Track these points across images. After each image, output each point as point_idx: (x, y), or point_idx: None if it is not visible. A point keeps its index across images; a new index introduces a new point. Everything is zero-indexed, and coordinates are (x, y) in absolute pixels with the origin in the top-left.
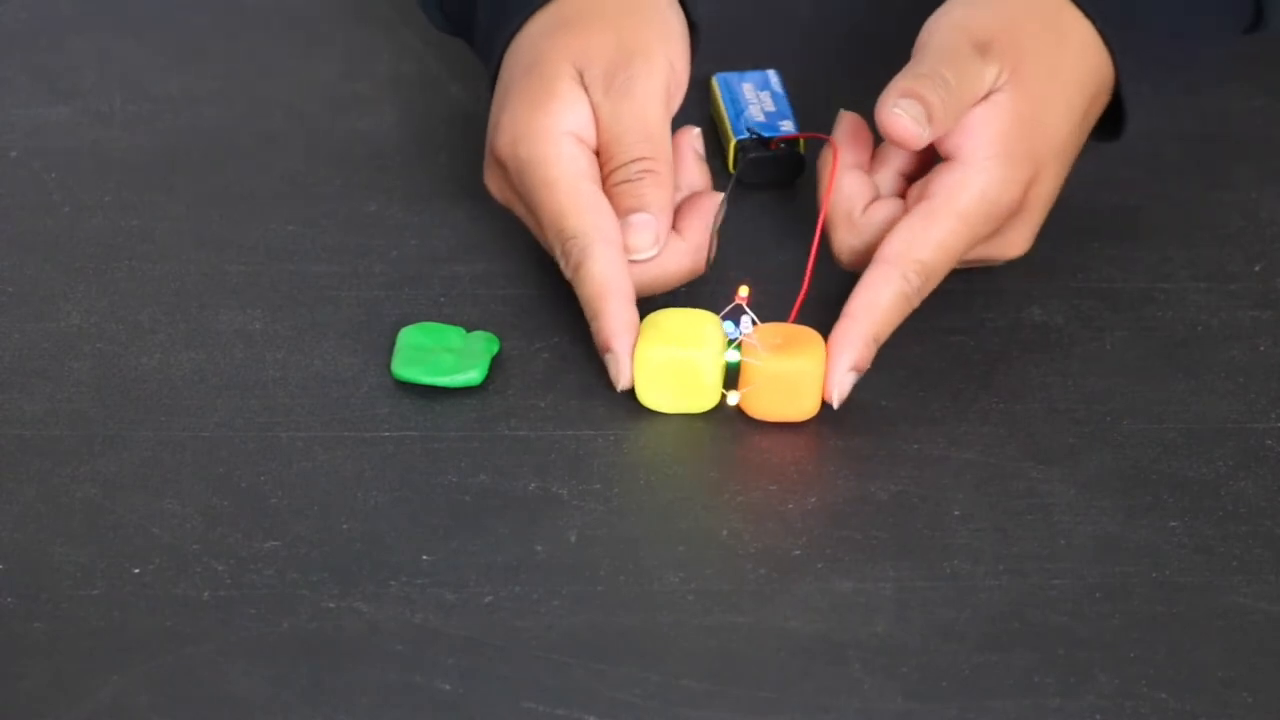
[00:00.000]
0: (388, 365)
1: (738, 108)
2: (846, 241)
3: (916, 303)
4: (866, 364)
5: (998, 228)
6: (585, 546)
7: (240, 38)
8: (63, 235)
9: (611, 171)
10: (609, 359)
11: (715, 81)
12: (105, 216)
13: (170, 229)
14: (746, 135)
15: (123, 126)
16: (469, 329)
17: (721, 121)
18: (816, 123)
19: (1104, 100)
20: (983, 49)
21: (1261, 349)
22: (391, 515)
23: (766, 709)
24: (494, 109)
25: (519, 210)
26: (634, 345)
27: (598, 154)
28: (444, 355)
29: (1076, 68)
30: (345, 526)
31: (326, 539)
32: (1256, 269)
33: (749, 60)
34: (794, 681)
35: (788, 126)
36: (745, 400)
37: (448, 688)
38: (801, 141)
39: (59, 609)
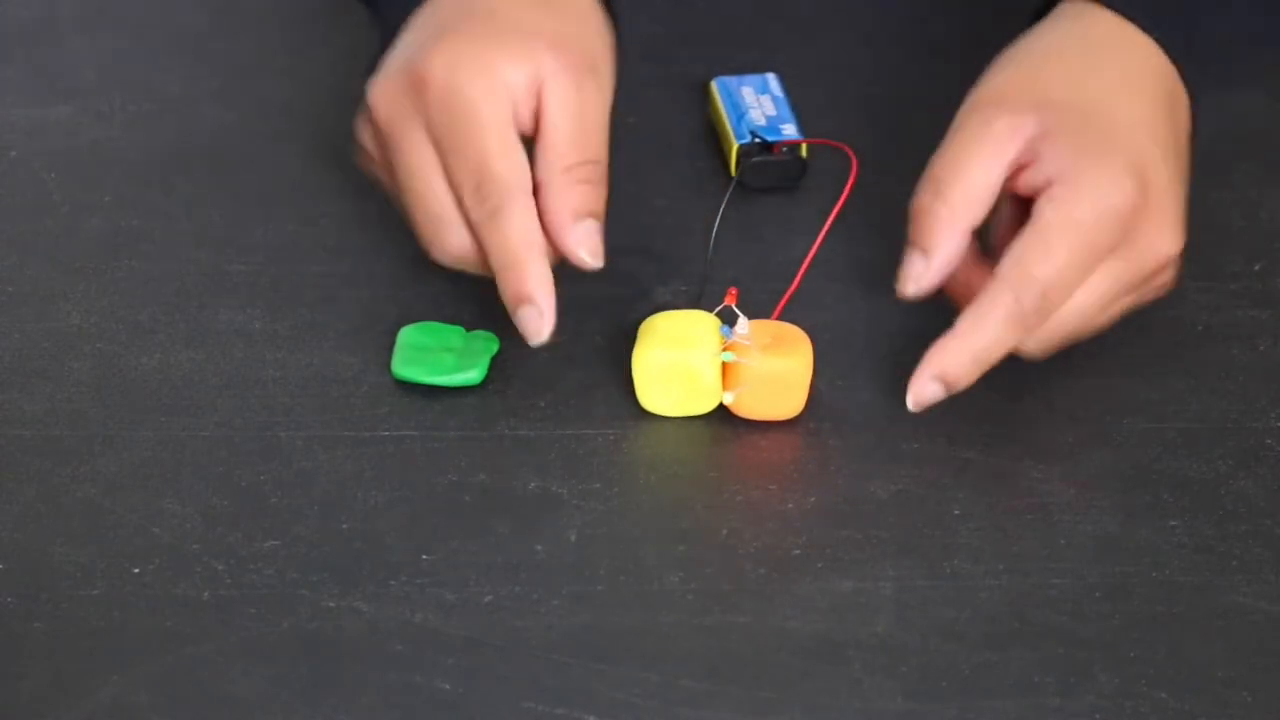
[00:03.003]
0: (388, 365)
1: (739, 111)
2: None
3: (1034, 323)
4: (959, 378)
5: (1124, 235)
6: (585, 546)
7: (240, 37)
8: (63, 235)
9: (571, 166)
10: (528, 311)
11: (714, 85)
12: (105, 216)
13: (170, 229)
14: (749, 139)
15: (123, 126)
16: (469, 329)
17: (722, 125)
18: (817, 124)
19: (1183, 99)
20: (997, 106)
21: (1261, 349)
22: (391, 515)
23: (766, 709)
24: (426, 33)
25: (396, 139)
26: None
27: (537, 138)
28: (444, 355)
29: (1117, 60)
30: (345, 526)
31: (326, 539)
32: (1256, 269)
33: (749, 61)
34: (794, 681)
35: (790, 130)
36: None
37: (448, 688)
38: (804, 146)
39: (59, 609)
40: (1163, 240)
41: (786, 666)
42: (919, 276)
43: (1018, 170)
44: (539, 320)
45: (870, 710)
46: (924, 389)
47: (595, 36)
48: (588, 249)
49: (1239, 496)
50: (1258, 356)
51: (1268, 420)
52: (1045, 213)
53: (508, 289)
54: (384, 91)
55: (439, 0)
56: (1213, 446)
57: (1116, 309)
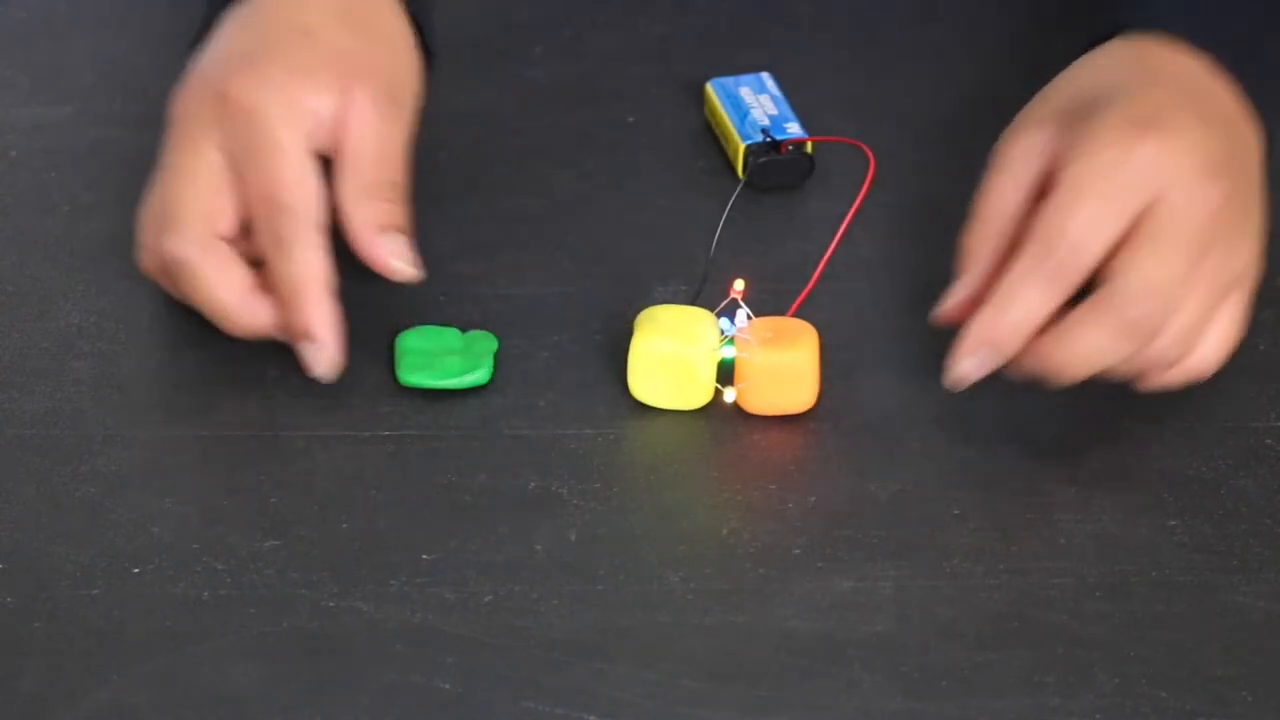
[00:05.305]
0: (387, 365)
1: (741, 111)
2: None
3: (1066, 280)
4: (1002, 344)
5: (1150, 177)
6: (585, 546)
7: None
8: (63, 235)
9: (371, 184)
10: (311, 348)
11: (711, 87)
12: (105, 216)
13: None
14: (761, 139)
15: (123, 126)
16: (465, 329)
17: (724, 126)
18: (817, 123)
19: (1222, 92)
20: (1015, 130)
21: (1261, 349)
22: (391, 515)
23: (766, 708)
24: (238, 46)
25: (183, 140)
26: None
27: (339, 160)
28: (447, 358)
29: (1142, 62)
30: (345, 526)
31: (326, 539)
32: None
33: (749, 61)
34: (794, 681)
35: (794, 129)
36: (741, 395)
37: (448, 687)
38: (810, 144)
39: (59, 609)
40: (1181, 170)
41: (786, 666)
42: (953, 294)
43: (1051, 177)
44: (319, 354)
45: (870, 710)
46: (964, 364)
47: (404, 67)
48: (400, 258)
49: (1239, 496)
50: (1258, 356)
51: (1268, 420)
52: (1063, 176)
53: (292, 322)
54: (187, 98)
55: (257, 7)
56: (1213, 446)
57: (1206, 291)
